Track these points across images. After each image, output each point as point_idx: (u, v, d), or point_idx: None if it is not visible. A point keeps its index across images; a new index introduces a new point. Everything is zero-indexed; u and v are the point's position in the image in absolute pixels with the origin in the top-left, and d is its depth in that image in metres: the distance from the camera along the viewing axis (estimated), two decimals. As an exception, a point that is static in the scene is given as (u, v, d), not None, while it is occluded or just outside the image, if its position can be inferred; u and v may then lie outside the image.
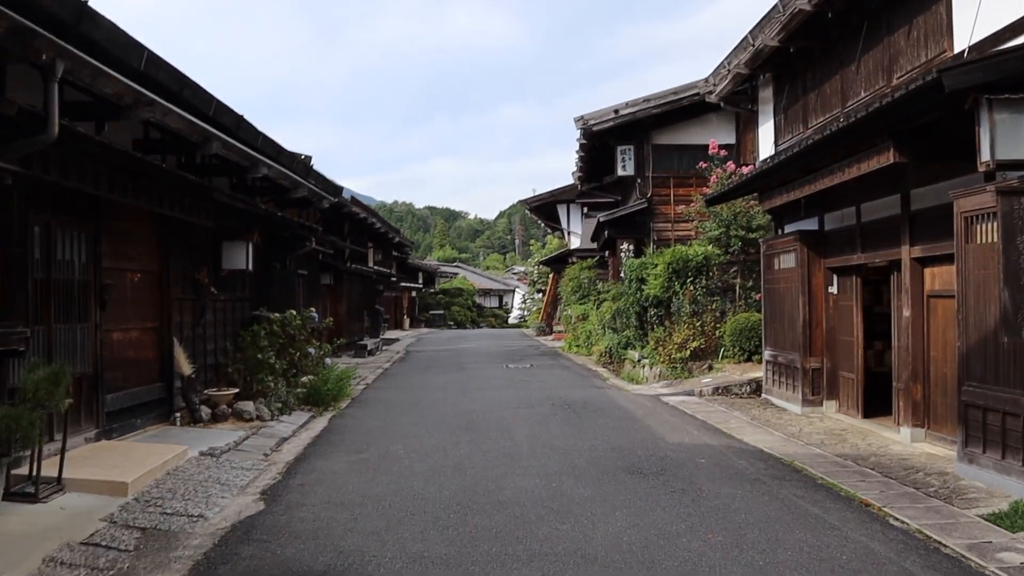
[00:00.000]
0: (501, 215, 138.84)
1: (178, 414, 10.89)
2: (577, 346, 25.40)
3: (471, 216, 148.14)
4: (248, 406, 11.48)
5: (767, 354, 14.06)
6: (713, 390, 14.49)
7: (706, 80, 14.84)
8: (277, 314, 13.21)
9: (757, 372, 15.31)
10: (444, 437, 10.31)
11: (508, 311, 72.89)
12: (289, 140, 17.05)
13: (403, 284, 47.29)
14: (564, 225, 37.13)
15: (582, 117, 20.02)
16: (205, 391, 11.68)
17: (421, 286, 56.49)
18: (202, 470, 8.39)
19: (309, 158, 14.91)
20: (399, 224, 68.56)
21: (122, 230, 9.70)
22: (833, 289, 12.53)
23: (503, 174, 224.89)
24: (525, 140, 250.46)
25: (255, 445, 9.90)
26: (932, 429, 9.71)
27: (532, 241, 75.84)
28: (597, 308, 25.15)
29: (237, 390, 11.81)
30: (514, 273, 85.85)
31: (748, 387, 14.53)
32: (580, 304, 27.66)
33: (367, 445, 9.91)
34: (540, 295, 55.14)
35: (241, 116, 10.20)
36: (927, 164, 8.55)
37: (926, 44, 9.31)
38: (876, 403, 11.79)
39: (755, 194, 16.16)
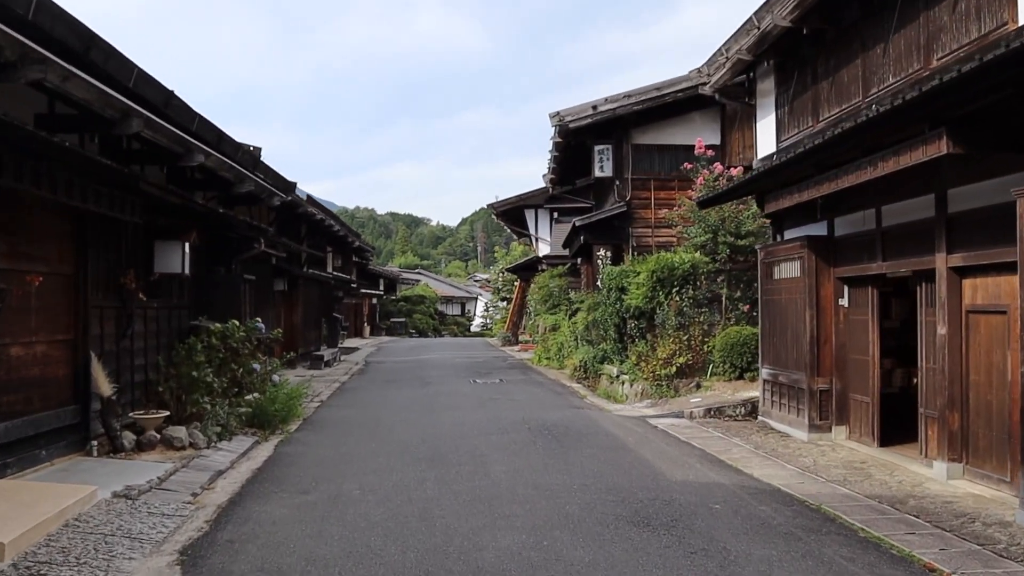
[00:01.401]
0: (463, 222, 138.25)
1: (95, 442, 9.27)
2: (547, 359, 23.96)
3: (433, 223, 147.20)
4: (180, 432, 9.89)
5: (765, 372, 12.73)
6: (705, 412, 13.13)
7: (699, 70, 13.53)
8: (218, 324, 11.62)
9: (751, 391, 14.01)
10: (407, 472, 8.81)
11: (470, 319, 71.97)
12: (249, 141, 15.83)
13: (364, 291, 45.71)
14: (532, 231, 35.76)
15: (558, 113, 18.62)
16: (131, 414, 10.08)
17: (382, 293, 54.97)
18: (112, 518, 6.83)
19: (259, 150, 13.37)
20: (360, 230, 66.92)
21: (23, 224, 8.09)
22: (844, 301, 11.23)
23: (465, 180, 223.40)
24: (487, 147, 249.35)
25: (183, 481, 8.33)
26: (972, 464, 8.38)
27: (496, 248, 74.76)
28: (569, 318, 23.76)
29: (168, 413, 10.22)
30: (476, 280, 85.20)
31: (743, 408, 13.19)
32: (551, 314, 26.26)
33: (316, 482, 8.38)
34: (505, 303, 53.82)
35: (171, 92, 8.68)
36: (985, 156, 7.23)
37: (979, 17, 8.00)
38: (889, 429, 10.54)
39: (749, 197, 14.98)
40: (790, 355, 11.84)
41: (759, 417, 12.85)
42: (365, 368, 24.27)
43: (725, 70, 12.63)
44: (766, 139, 12.84)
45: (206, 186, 11.87)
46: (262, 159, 13.01)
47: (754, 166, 13.27)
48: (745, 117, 19.03)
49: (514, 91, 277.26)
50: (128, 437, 9.58)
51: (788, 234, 12.61)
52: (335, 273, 32.39)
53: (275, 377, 12.06)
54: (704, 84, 13.51)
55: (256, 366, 11.50)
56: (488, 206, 35.45)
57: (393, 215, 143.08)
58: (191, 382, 10.46)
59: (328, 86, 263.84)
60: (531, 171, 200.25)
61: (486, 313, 66.17)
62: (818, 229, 11.45)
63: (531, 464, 9.11)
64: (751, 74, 13.20)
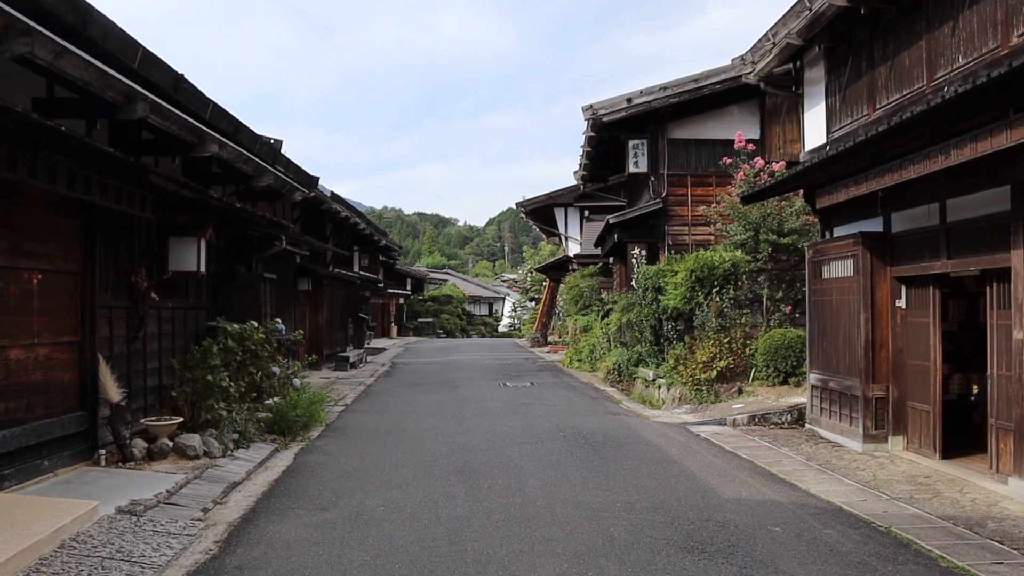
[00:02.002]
0: (491, 222, 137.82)
1: (103, 451, 8.72)
2: (579, 361, 23.24)
3: (460, 223, 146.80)
4: (194, 440, 9.31)
5: (813, 378, 11.97)
6: (749, 419, 12.40)
7: (742, 58, 12.79)
8: (236, 325, 11.04)
9: (796, 397, 13.26)
10: (435, 486, 8.16)
11: (498, 319, 71.46)
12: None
13: (391, 290, 45.23)
14: (561, 230, 35.05)
15: (591, 106, 17.90)
16: (142, 420, 9.52)
17: (409, 293, 54.48)
18: (112, 538, 6.23)
19: (279, 142, 12.78)
20: (388, 230, 66.42)
21: (23, 219, 7.53)
22: (901, 303, 10.46)
23: (491, 181, 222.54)
24: (513, 147, 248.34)
25: (194, 495, 7.74)
26: (1054, 482, 7.62)
27: (524, 247, 74.25)
28: (601, 319, 23.04)
29: (181, 419, 9.64)
30: (503, 281, 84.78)
31: (789, 416, 12.45)
32: (582, 315, 25.52)
33: (336, 497, 7.75)
34: (533, 303, 53.13)
35: (181, 75, 8.08)
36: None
37: (1068, -13, 7.24)
38: (949, 439, 9.77)
39: (793, 194, 14.24)
40: (842, 360, 11.09)
41: (806, 425, 12.10)
42: (392, 370, 23.68)
43: (772, 56, 11.88)
44: (815, 130, 12.08)
45: (224, 180, 11.31)
46: (283, 152, 12.42)
47: (802, 159, 12.52)
48: (787, 109, 18.29)
49: (539, 92, 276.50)
50: (139, 445, 9.02)
51: (838, 231, 11.85)
52: (361, 273, 31.87)
53: (296, 381, 11.46)
54: (746, 74, 12.76)
55: (276, 370, 10.90)
56: (516, 205, 34.80)
57: (420, 215, 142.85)
58: (206, 387, 9.88)
59: (354, 88, 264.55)
60: (557, 171, 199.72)
61: (514, 313, 65.59)
62: (873, 225, 10.70)
63: (569, 478, 8.43)
64: (798, 62, 12.44)
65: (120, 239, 9.32)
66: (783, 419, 12.41)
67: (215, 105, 8.86)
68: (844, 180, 9.88)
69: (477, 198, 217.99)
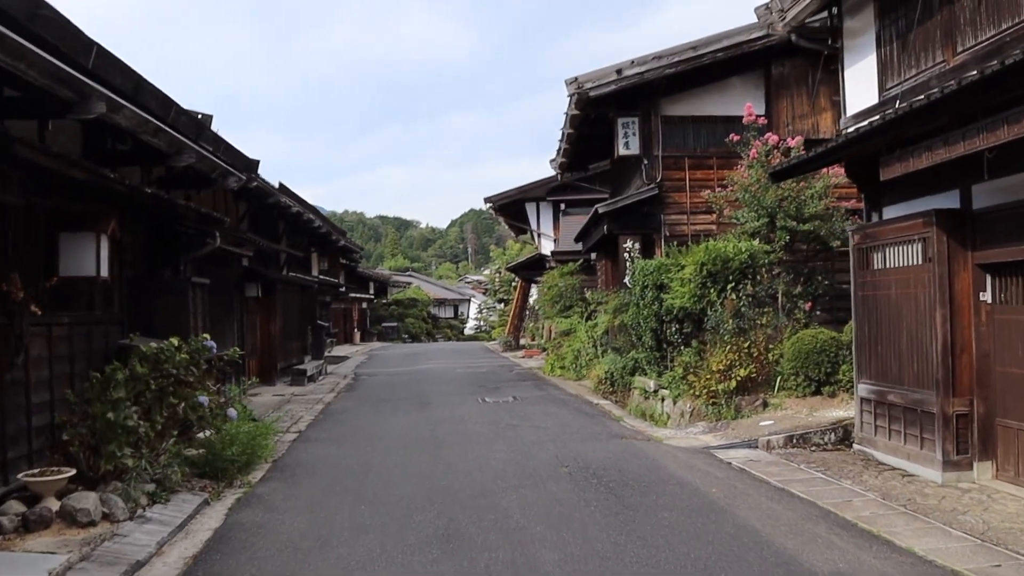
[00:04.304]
0: (453, 224, 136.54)
1: (-44, 523, 6.39)
2: (562, 368, 21.01)
3: (423, 225, 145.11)
4: (88, 500, 6.98)
5: (864, 389, 9.88)
6: (785, 440, 10.29)
7: (768, 6, 10.63)
8: (154, 344, 8.72)
9: (834, 411, 11.22)
10: (412, 562, 5.93)
11: (464, 321, 69.89)
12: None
13: (353, 295, 42.93)
14: (533, 226, 32.99)
15: (575, 79, 15.66)
16: (20, 475, 7.17)
17: (373, 297, 52.20)
18: None
19: (208, 117, 10.49)
20: (350, 234, 64.09)
21: None
22: (987, 296, 8.39)
23: (454, 183, 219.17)
24: (474, 149, 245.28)
25: (71, 592, 5.45)
26: None
27: (491, 247, 72.45)
28: (586, 321, 20.88)
29: (74, 471, 7.30)
30: (468, 282, 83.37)
31: (833, 435, 10.38)
32: (563, 317, 23.32)
33: (275, 589, 5.50)
34: (502, 305, 51.08)
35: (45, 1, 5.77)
36: None
37: None
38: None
39: (813, 174, 12.20)
40: (906, 367, 9.01)
41: (855, 446, 10.02)
42: (354, 383, 21.36)
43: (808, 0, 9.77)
44: (861, 89, 9.97)
45: (135, 160, 9.02)
46: (214, 129, 10.12)
47: (841, 126, 10.44)
48: (796, 80, 16.30)
49: (499, 93, 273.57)
50: (11, 511, 6.71)
51: (892, 211, 9.79)
52: (321, 276, 29.53)
53: (231, 411, 9.12)
54: (774, 24, 10.61)
55: (203, 399, 8.57)
56: (485, 200, 32.69)
57: (382, 218, 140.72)
58: (107, 427, 7.53)
59: (314, 91, 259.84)
60: (519, 171, 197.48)
61: (480, 315, 63.97)
62: (945, 201, 8.63)
63: (594, 547, 6.20)
64: (834, 8, 10.35)
65: (-19, 235, 7.00)
66: (826, 439, 10.33)
67: (101, 49, 6.54)
68: (911, 147, 7.78)
69: (439, 200, 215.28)
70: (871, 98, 9.75)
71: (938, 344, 8.43)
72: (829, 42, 10.57)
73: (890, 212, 9.86)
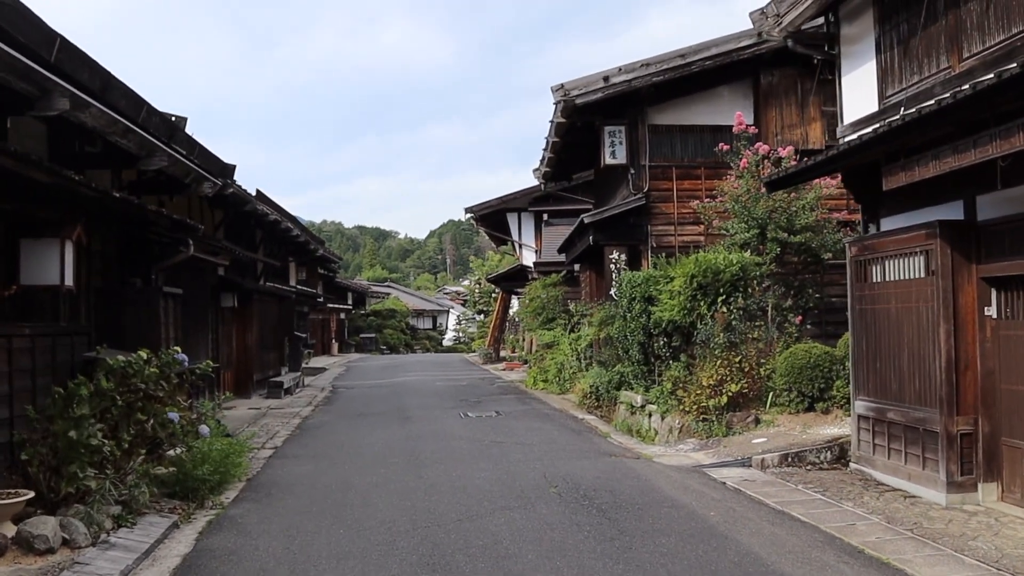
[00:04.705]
0: (432, 234, 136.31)
1: (-98, 552, 5.92)
2: (544, 381, 20.58)
3: (401, 235, 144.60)
4: (47, 526, 6.51)
5: (861, 406, 9.55)
6: (780, 459, 9.94)
7: (763, 11, 10.32)
8: (121, 357, 8.26)
9: (828, 428, 10.90)
10: (396, 595, 5.53)
11: (443, 333, 69.50)
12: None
13: (331, 305, 42.44)
14: (515, 237, 32.60)
15: (562, 86, 15.31)
16: (-25, 498, 6.70)
17: (351, 307, 51.68)
18: None
19: (183, 120, 10.06)
20: (329, 244, 63.55)
21: None
22: (992, 311, 8.09)
23: (432, 193, 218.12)
24: (452, 160, 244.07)
25: (24, 629, 5.00)
26: None
27: (471, 258, 72.16)
28: (569, 333, 20.50)
29: (31, 494, 6.84)
30: (446, 293, 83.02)
31: (828, 453, 10.04)
32: (546, 329, 22.93)
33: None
34: (482, 316, 50.67)
35: (0, -12, 5.36)
36: None
37: None
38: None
39: (804, 185, 11.92)
40: (907, 384, 8.69)
41: (852, 464, 9.69)
42: (332, 396, 20.87)
43: (806, 4, 9.45)
44: (859, 97, 9.67)
45: (103, 162, 8.59)
46: (188, 131, 9.70)
47: (839, 134, 10.14)
48: (786, 91, 16.06)
49: (479, 104, 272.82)
50: (-37, 538, 6.23)
51: (890, 222, 9.49)
52: (298, 287, 29.03)
53: (203, 428, 8.66)
54: (769, 29, 10.30)
55: (173, 415, 8.10)
56: (466, 210, 32.29)
57: (360, 228, 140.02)
58: (69, 446, 7.06)
59: (292, 101, 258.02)
60: (497, 183, 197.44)
61: (459, 327, 63.60)
62: (948, 212, 8.33)
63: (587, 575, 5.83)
64: (831, 15, 10.05)
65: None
66: (822, 457, 9.99)
67: (67, 43, 6.12)
68: (917, 156, 7.47)
69: (417, 210, 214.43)
70: (870, 106, 9.45)
71: (941, 360, 8.12)
72: (825, 48, 10.26)
73: (888, 224, 9.57)
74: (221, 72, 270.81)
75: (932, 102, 6.72)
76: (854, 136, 8.86)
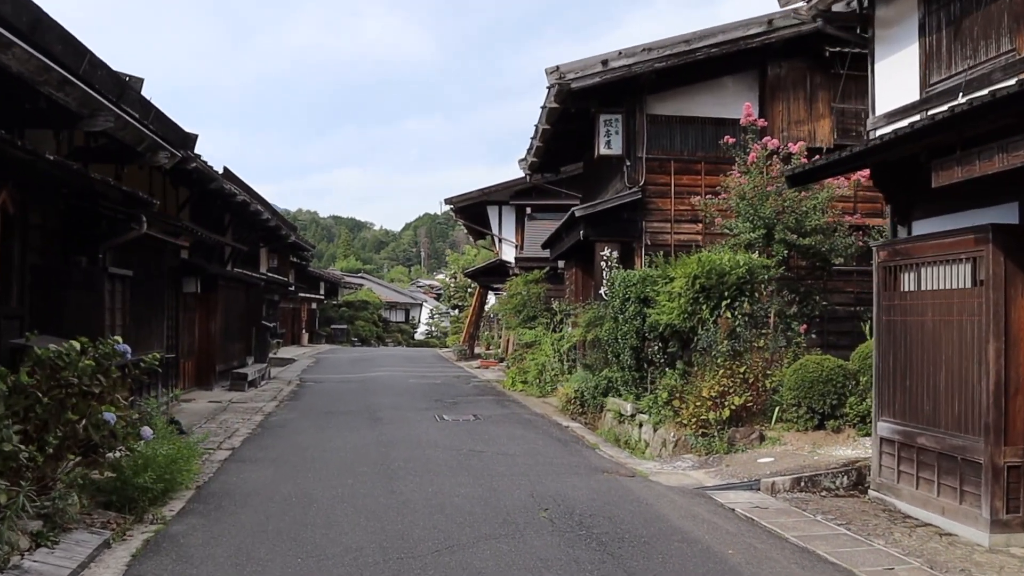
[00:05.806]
0: (407, 227, 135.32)
1: None
2: (524, 383, 19.53)
3: (376, 227, 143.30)
4: (-58, 547, 5.42)
5: (885, 427, 8.60)
6: (792, 483, 8.97)
7: (793, -14, 9.35)
8: (53, 346, 7.13)
9: (840, 448, 9.99)
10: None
11: (415, 326, 68.60)
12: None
13: (303, 294, 41.25)
14: (495, 231, 31.56)
15: (557, 68, 14.25)
16: None
17: (323, 297, 50.51)
18: None
19: (139, 81, 8.93)
20: (304, 233, 62.28)
21: None
22: (1047, 328, 7.15)
23: (409, 187, 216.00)
24: (431, 154, 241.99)
25: None
26: None
27: (447, 252, 71.18)
28: (552, 333, 19.47)
29: (-70, 508, 5.72)
30: (420, 286, 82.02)
31: (845, 477, 9.09)
32: (527, 328, 21.88)
33: None
34: (457, 311, 49.58)
35: None
36: None
37: None
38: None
39: (815, 184, 10.99)
40: (943, 407, 7.74)
41: (871, 492, 8.74)
42: (299, 390, 19.73)
43: (846, -22, 8.50)
44: (895, 84, 8.72)
45: (44, 121, 7.44)
46: (145, 94, 8.56)
47: (869, 127, 9.19)
48: (794, 83, 15.12)
49: (458, 100, 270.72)
50: None
51: (922, 226, 8.57)
52: (268, 274, 27.89)
53: (145, 430, 7.54)
54: (756, 34, 9.33)
55: (109, 416, 6.98)
56: (446, 201, 31.23)
57: (336, 218, 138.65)
58: (-22, 452, 5.95)
59: (271, 90, 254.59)
60: (474, 178, 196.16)
61: (432, 321, 62.51)
62: (997, 215, 7.40)
63: (600, 636, 4.80)
64: (864, -2, 9.10)
65: None
66: (838, 483, 9.04)
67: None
68: (1000, 141, 6.51)
69: (394, 203, 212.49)
70: (909, 95, 8.50)
71: (989, 382, 7.17)
72: (858, 31, 9.30)
73: (922, 227, 8.63)
74: (200, 60, 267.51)
75: (1014, 82, 5.72)
76: (888, 128, 7.93)
